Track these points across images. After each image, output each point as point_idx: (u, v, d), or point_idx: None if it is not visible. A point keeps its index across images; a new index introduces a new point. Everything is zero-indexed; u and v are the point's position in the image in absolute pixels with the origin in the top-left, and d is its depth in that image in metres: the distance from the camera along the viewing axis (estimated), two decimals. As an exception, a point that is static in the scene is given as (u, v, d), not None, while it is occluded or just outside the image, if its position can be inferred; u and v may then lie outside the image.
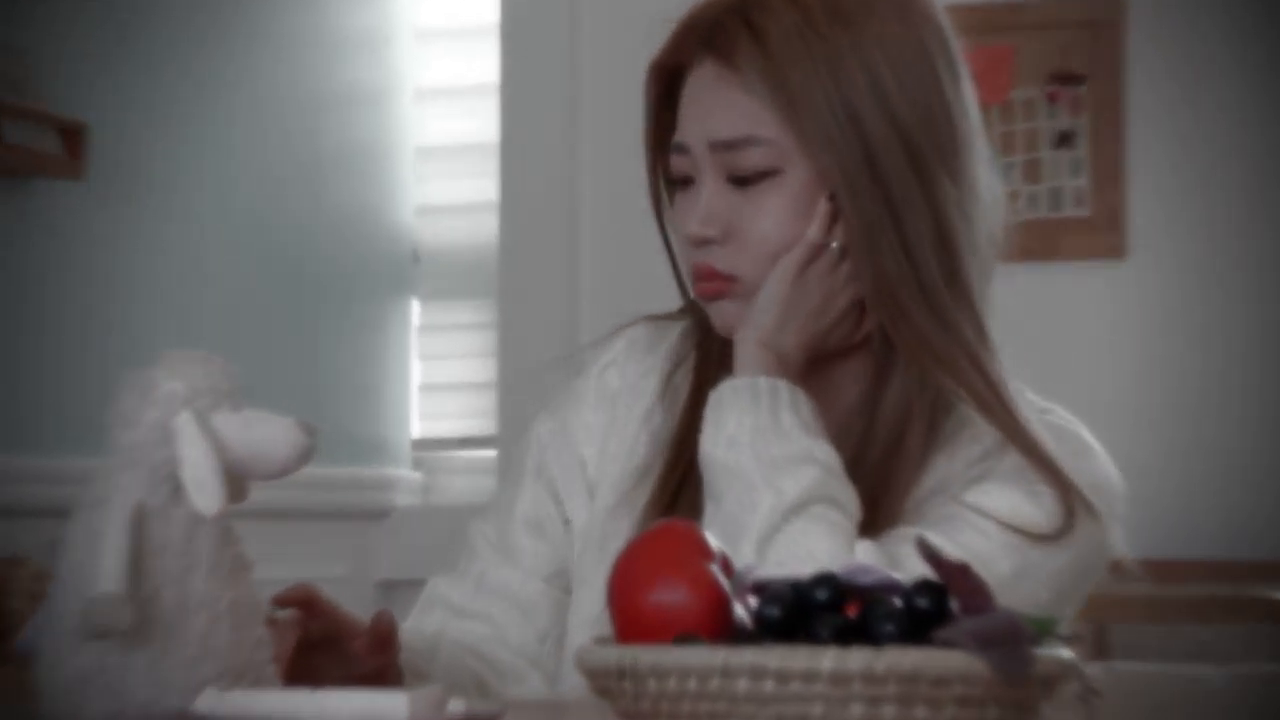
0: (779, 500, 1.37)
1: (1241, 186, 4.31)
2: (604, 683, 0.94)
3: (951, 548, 1.37)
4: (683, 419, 1.53)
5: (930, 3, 1.51)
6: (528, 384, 1.61)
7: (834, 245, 1.45)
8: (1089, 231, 4.36)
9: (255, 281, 4.18)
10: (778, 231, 1.46)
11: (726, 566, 1.01)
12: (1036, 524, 1.42)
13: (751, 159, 1.46)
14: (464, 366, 4.59)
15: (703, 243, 1.48)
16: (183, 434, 1.09)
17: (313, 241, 4.34)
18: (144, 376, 1.12)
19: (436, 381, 4.61)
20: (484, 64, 4.74)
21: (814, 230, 1.45)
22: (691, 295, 1.56)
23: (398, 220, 4.72)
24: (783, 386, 1.42)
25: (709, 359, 1.55)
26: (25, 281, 3.93)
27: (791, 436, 1.40)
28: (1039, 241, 4.36)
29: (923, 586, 0.93)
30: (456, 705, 1.14)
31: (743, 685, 0.89)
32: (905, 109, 1.45)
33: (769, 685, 0.89)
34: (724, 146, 1.47)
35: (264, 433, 1.12)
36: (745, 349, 1.45)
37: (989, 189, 1.53)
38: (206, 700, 1.07)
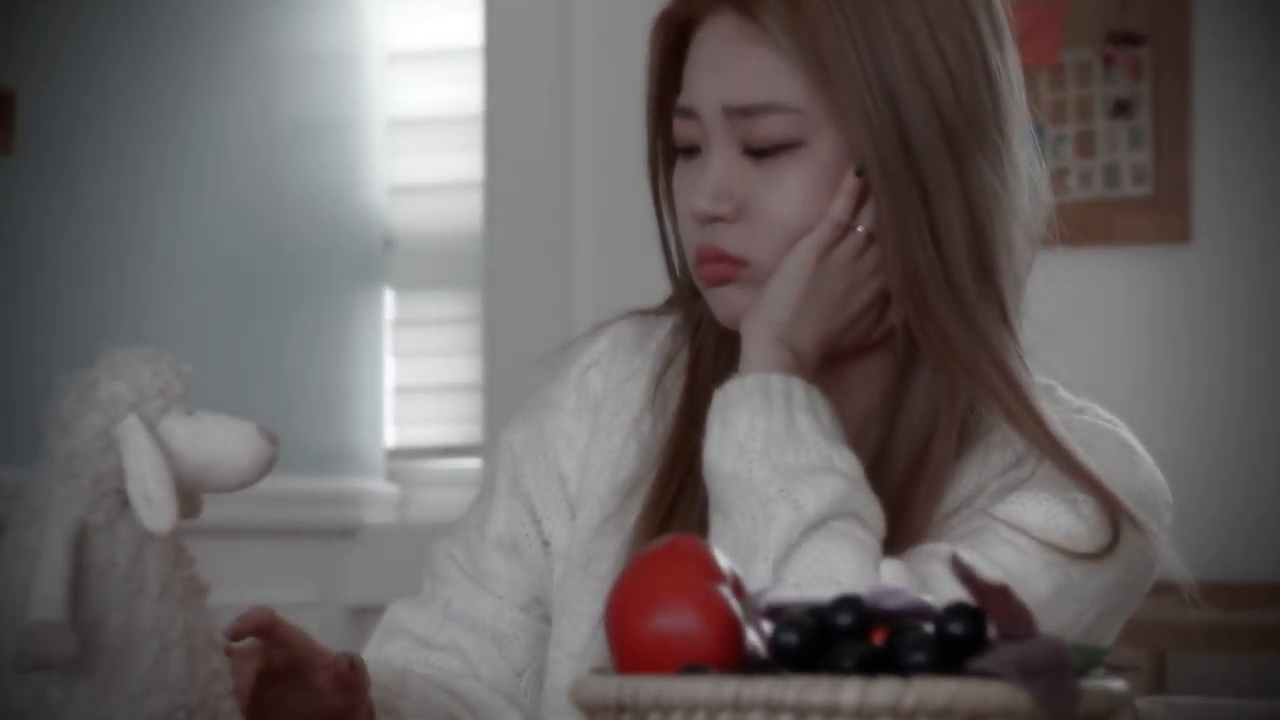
0: (798, 515, 1.37)
1: (1322, 161, 4.31)
2: (601, 718, 0.95)
3: (985, 565, 1.37)
4: (676, 425, 1.53)
5: None
6: (515, 385, 1.61)
7: (859, 229, 1.45)
8: (1150, 212, 4.37)
9: (208, 270, 4.19)
10: (798, 210, 1.45)
11: (738, 588, 1.02)
12: (1078, 538, 1.43)
13: (772, 128, 1.45)
14: (444, 366, 4.60)
15: (711, 220, 1.47)
16: (128, 442, 1.10)
17: (272, 225, 4.34)
18: (83, 377, 1.13)
19: (413, 383, 4.61)
20: (465, 24, 4.74)
21: (838, 208, 1.45)
22: (678, 277, 1.56)
23: (368, 201, 4.73)
24: (798, 386, 1.42)
25: (703, 357, 1.54)
26: (-53, 270, 3.94)
27: (809, 443, 1.40)
28: (1093, 223, 4.36)
29: (957, 610, 0.94)
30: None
31: (756, 720, 0.90)
32: (943, 80, 1.45)
33: (786, 720, 0.90)
34: (741, 112, 1.46)
35: (220, 440, 1.13)
36: (756, 343, 1.44)
37: (1029, 175, 1.53)
38: (157, 738, 1.09)
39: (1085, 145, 4.43)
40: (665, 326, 1.59)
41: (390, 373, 4.61)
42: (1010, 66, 1.52)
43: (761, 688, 0.90)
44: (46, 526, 1.10)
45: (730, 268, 1.46)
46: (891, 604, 0.99)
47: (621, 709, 0.93)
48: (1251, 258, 4.33)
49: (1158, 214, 4.37)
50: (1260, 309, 4.32)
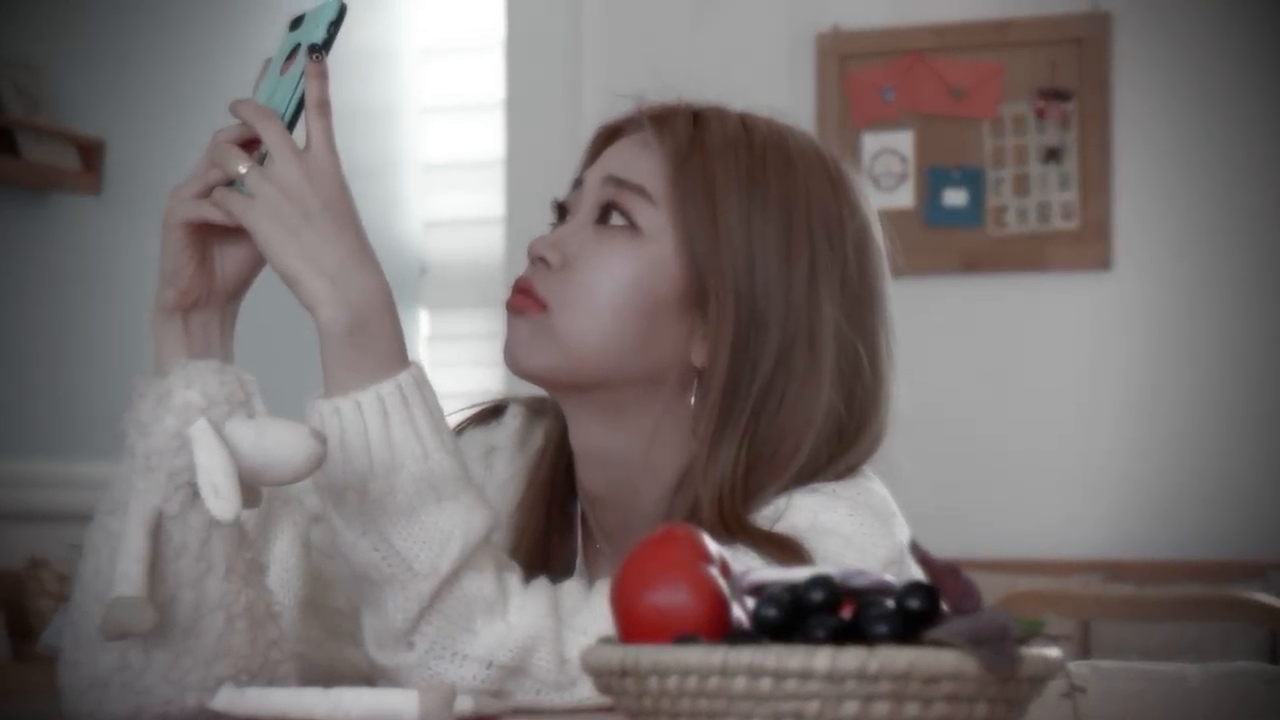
0: None
1: (1225, 198, 4.32)
2: (608, 681, 0.94)
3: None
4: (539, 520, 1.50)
5: (865, 212, 1.46)
6: (531, 392, 1.60)
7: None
8: (1076, 243, 4.37)
9: (267, 293, 4.18)
10: (611, 288, 1.41)
11: (725, 569, 1.01)
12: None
13: (629, 207, 1.42)
14: (472, 374, 4.59)
15: (538, 261, 1.44)
16: (198, 441, 1.10)
17: (323, 254, 4.33)
18: (160, 385, 1.12)
19: (444, 390, 4.60)
20: (489, 81, 4.74)
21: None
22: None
23: (406, 233, 4.72)
24: None
25: (555, 481, 1.51)
26: (44, 293, 3.93)
27: None
28: (1028, 252, 4.36)
29: (914, 588, 0.94)
30: (464, 702, 1.15)
31: (741, 683, 0.89)
32: (801, 278, 1.41)
33: (766, 683, 0.89)
34: (616, 183, 1.44)
35: (278, 440, 1.12)
36: None
37: (824, 406, 1.41)
38: (223, 697, 1.08)
39: (1021, 186, 4.43)
40: (540, 430, 1.55)
41: (425, 381, 4.60)
42: (867, 316, 1.44)
43: (745, 655, 0.90)
44: (128, 515, 1.09)
45: (531, 303, 1.43)
46: (858, 582, 0.98)
47: (625, 673, 0.93)
48: (1163, 282, 4.34)
49: (1083, 245, 4.37)
50: (1169, 324, 4.32)
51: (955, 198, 4.46)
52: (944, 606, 0.94)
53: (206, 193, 1.33)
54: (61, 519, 3.68)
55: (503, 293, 4.28)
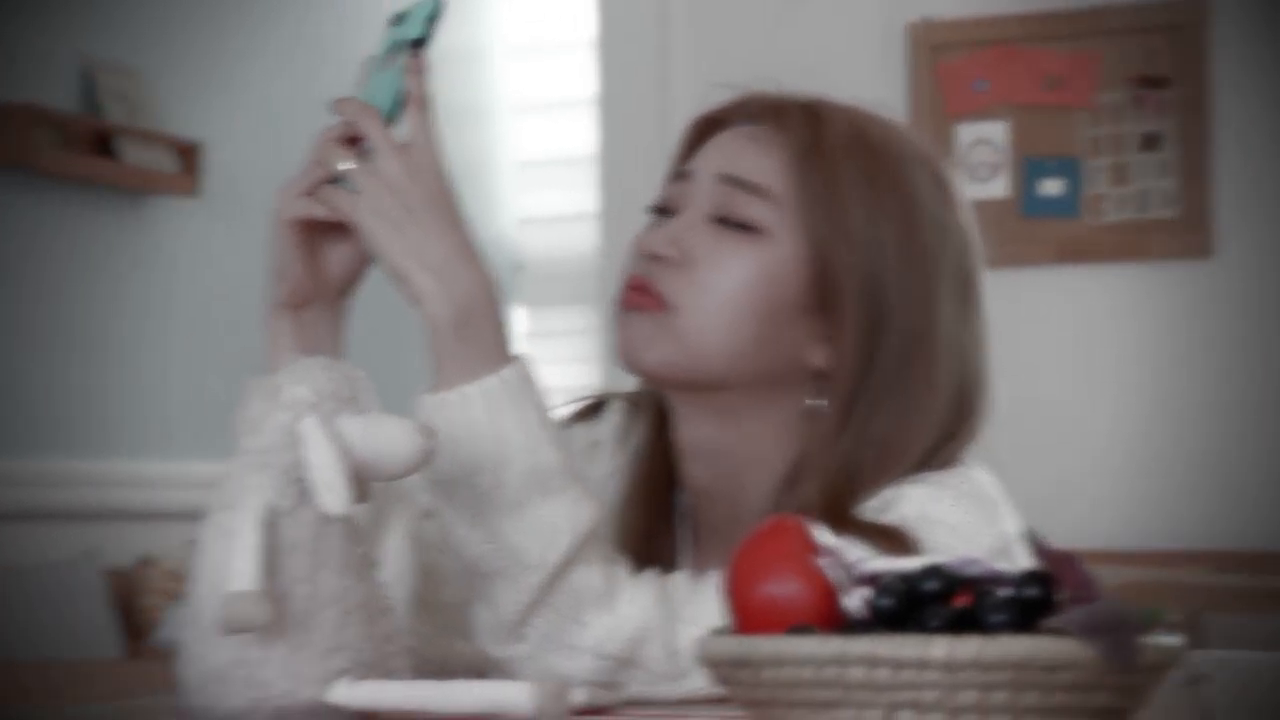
0: None
1: (1326, 184, 4.27)
2: (724, 672, 0.94)
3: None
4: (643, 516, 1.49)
5: (967, 220, 1.45)
6: (629, 386, 1.60)
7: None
8: (1176, 231, 4.33)
9: (366, 292, 4.21)
10: (736, 286, 1.38)
11: (837, 559, 1.01)
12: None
13: (750, 209, 1.40)
14: (570, 370, 4.61)
15: (653, 259, 1.41)
16: (309, 437, 1.10)
17: (419, 252, 4.36)
18: (269, 383, 1.13)
19: (543, 385, 4.62)
20: (581, 78, 4.75)
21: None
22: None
23: (501, 231, 4.74)
24: None
25: (657, 475, 1.49)
26: (144, 295, 3.98)
27: None
28: (1128, 241, 4.32)
29: (1031, 576, 0.93)
30: (579, 694, 1.15)
31: (857, 673, 0.89)
32: (923, 270, 1.39)
33: (883, 673, 0.89)
34: (734, 182, 1.41)
35: (386, 435, 1.12)
36: None
37: (940, 405, 1.40)
38: (340, 691, 1.08)
39: (1119, 175, 4.39)
40: (641, 424, 1.53)
41: (522, 378, 4.62)
42: (966, 317, 1.43)
43: (862, 644, 0.89)
44: (241, 511, 1.10)
45: (650, 300, 1.40)
46: (971, 571, 0.97)
47: (742, 663, 0.93)
48: (1265, 269, 4.29)
49: (1183, 233, 4.33)
50: (1272, 311, 4.27)
51: (1052, 187, 4.42)
52: (1061, 596, 0.94)
53: (314, 191, 1.34)
54: (170, 518, 3.72)
55: (598, 288, 4.28)
